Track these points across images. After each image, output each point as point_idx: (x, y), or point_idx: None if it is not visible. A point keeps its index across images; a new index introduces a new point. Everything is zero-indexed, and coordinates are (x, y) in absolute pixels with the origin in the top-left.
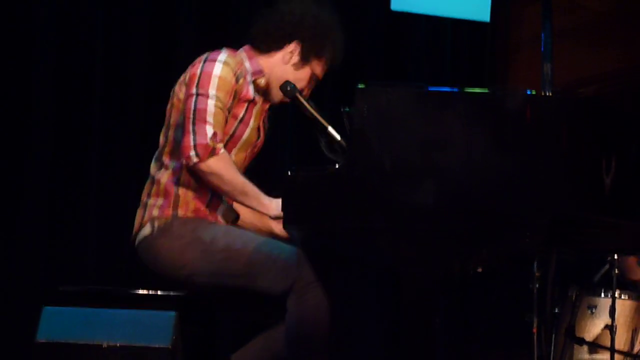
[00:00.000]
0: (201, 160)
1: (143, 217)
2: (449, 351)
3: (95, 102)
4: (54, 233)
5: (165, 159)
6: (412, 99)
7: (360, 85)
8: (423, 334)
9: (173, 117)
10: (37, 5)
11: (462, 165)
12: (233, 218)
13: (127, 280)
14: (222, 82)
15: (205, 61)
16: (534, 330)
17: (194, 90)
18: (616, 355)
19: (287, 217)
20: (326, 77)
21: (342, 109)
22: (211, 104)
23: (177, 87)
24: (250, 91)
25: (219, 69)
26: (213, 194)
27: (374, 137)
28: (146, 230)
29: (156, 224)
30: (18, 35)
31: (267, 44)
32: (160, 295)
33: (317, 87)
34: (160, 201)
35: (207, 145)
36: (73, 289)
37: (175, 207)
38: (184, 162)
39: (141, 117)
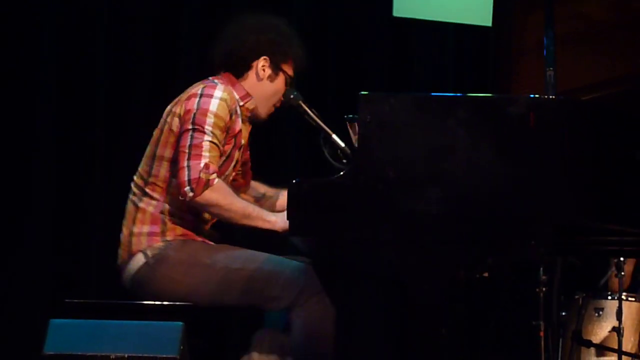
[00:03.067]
0: (196, 194)
1: (130, 245)
2: (456, 356)
3: (99, 120)
4: (60, 246)
5: (149, 191)
6: (415, 105)
7: (363, 92)
8: (430, 344)
9: (160, 149)
10: (42, 5)
11: (467, 172)
12: (218, 237)
13: (137, 296)
14: (218, 120)
15: (201, 96)
16: (541, 334)
17: (189, 126)
18: (623, 357)
19: (292, 227)
20: (329, 85)
21: (345, 117)
22: (207, 139)
23: (169, 118)
24: (239, 124)
25: (216, 106)
26: (195, 220)
27: (378, 144)
28: (139, 260)
29: (149, 253)
30: (22, 38)
31: (238, 69)
32: (167, 305)
33: (321, 94)
34: (146, 228)
35: (199, 179)
36: (80, 302)
37: (164, 233)
38: (180, 198)
39: (148, 137)
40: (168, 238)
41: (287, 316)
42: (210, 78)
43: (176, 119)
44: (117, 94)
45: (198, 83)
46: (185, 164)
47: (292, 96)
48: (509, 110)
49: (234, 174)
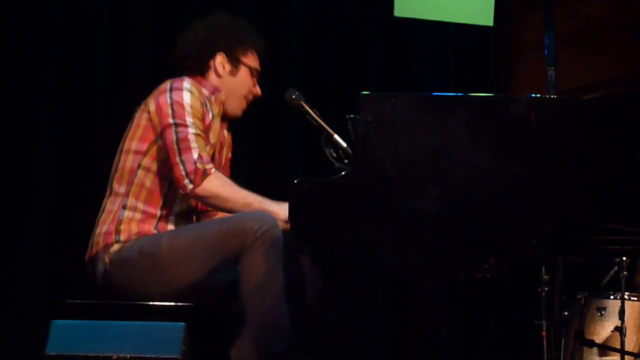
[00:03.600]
0: (196, 185)
1: (91, 248)
2: (458, 356)
3: (99, 120)
4: (61, 246)
5: (115, 185)
6: (416, 105)
7: (365, 93)
8: (431, 344)
9: (127, 143)
10: (41, 5)
11: (467, 172)
12: None
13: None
14: (194, 110)
15: (171, 90)
16: (544, 333)
17: (170, 121)
18: (626, 357)
19: (293, 227)
20: (330, 85)
21: (346, 117)
22: (191, 132)
23: (137, 113)
24: (209, 117)
25: (189, 97)
26: (160, 217)
27: (379, 144)
28: (100, 268)
29: (107, 259)
30: (22, 38)
31: (197, 68)
32: (168, 306)
33: (322, 94)
34: (104, 228)
35: (197, 169)
36: (82, 302)
37: (117, 232)
38: (181, 192)
39: None
40: (122, 238)
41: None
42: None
43: (144, 114)
44: (117, 94)
45: (167, 80)
46: (178, 159)
47: (293, 96)
48: (510, 110)
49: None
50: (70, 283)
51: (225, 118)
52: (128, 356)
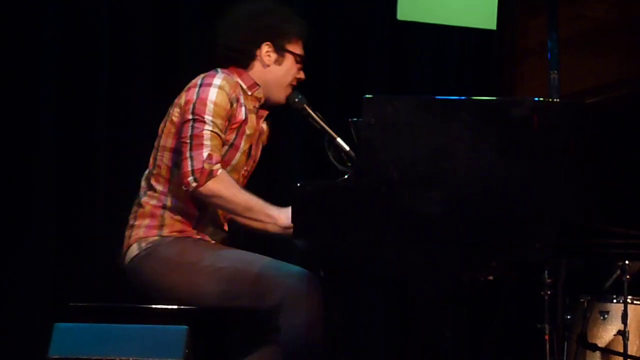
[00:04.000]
0: (200, 184)
1: (130, 237)
2: (460, 359)
3: (101, 120)
4: (64, 249)
5: (154, 183)
6: (419, 107)
7: (368, 95)
8: (433, 346)
9: (163, 140)
10: (43, 6)
11: (470, 174)
12: (222, 237)
13: (137, 295)
14: (217, 108)
15: (200, 86)
16: (546, 337)
17: (190, 116)
18: None
19: (296, 230)
20: (332, 87)
21: (349, 120)
22: (207, 129)
23: (171, 109)
24: (242, 113)
25: (214, 94)
26: (199, 218)
27: (382, 147)
28: (133, 250)
29: (143, 245)
30: (23, 38)
31: (242, 59)
32: (171, 309)
33: (324, 97)
34: (145, 222)
35: (203, 168)
36: (85, 305)
37: (161, 227)
38: (183, 188)
39: (152, 140)
40: (164, 233)
41: (277, 320)
42: (217, 69)
43: (177, 109)
44: (118, 94)
45: (201, 74)
46: (188, 154)
47: (296, 99)
48: (513, 113)
49: (246, 167)
50: (72, 285)
51: (266, 107)
52: (131, 359)
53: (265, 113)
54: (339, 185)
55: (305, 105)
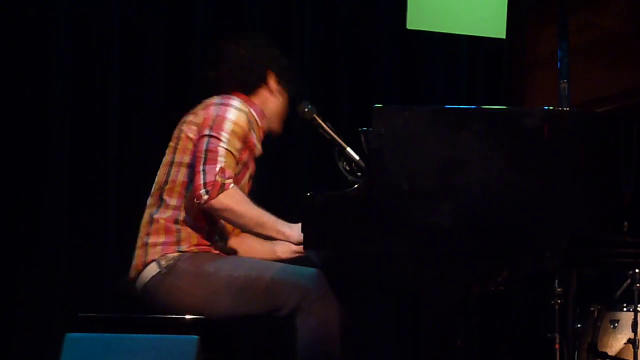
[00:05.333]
0: (211, 197)
1: (145, 256)
2: None
3: (113, 134)
4: (75, 260)
5: (166, 197)
6: (429, 117)
7: (378, 105)
8: (444, 357)
9: (178, 155)
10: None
11: (481, 184)
12: (233, 250)
13: (148, 305)
14: (236, 127)
15: (219, 104)
16: (557, 346)
17: (206, 132)
18: None
19: (306, 240)
20: (342, 97)
21: (359, 129)
22: (222, 146)
23: (185, 127)
24: (254, 139)
25: (234, 115)
26: (210, 230)
27: (392, 157)
28: (152, 269)
29: (163, 263)
30: (36, 46)
31: (250, 84)
32: (182, 319)
33: (334, 107)
34: (161, 239)
35: (215, 182)
36: (95, 315)
37: (178, 242)
38: (195, 201)
39: (162, 150)
40: (183, 248)
41: (293, 322)
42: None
43: (193, 127)
44: (130, 105)
45: (215, 96)
46: (201, 168)
47: (306, 110)
48: (523, 123)
49: (248, 190)
50: (83, 296)
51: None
52: None
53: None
54: (349, 196)
55: (315, 116)
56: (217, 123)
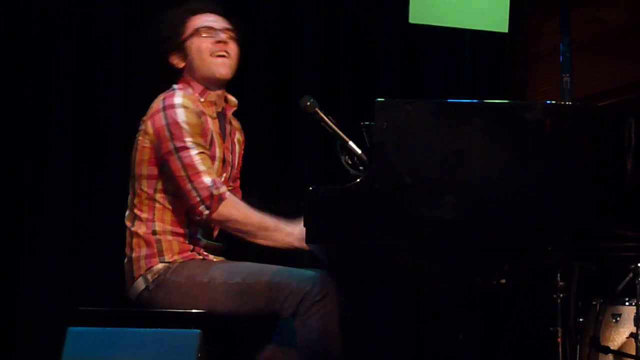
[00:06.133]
0: (212, 211)
1: (132, 271)
2: None
3: (115, 130)
4: (77, 254)
5: (137, 212)
6: (432, 111)
7: (380, 99)
8: (447, 350)
9: (137, 168)
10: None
11: (483, 178)
12: (221, 250)
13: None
14: (192, 127)
15: (164, 109)
16: (559, 340)
17: (170, 147)
18: None
19: (309, 234)
20: (345, 91)
21: (362, 123)
22: (194, 153)
23: (139, 136)
24: (209, 123)
25: (183, 114)
26: (190, 233)
27: (394, 151)
28: (140, 285)
29: (149, 277)
30: (39, 41)
31: (174, 74)
32: (184, 313)
33: (337, 101)
34: (143, 251)
35: (211, 195)
36: (97, 310)
37: (160, 253)
38: (197, 218)
39: None
40: (167, 259)
41: (293, 324)
42: (173, 86)
43: (146, 138)
44: (132, 103)
45: (160, 95)
46: (190, 187)
47: (308, 103)
48: (525, 117)
49: (224, 174)
50: (85, 290)
51: (225, 101)
52: None
53: (231, 109)
54: (351, 190)
55: (317, 109)
56: (174, 132)
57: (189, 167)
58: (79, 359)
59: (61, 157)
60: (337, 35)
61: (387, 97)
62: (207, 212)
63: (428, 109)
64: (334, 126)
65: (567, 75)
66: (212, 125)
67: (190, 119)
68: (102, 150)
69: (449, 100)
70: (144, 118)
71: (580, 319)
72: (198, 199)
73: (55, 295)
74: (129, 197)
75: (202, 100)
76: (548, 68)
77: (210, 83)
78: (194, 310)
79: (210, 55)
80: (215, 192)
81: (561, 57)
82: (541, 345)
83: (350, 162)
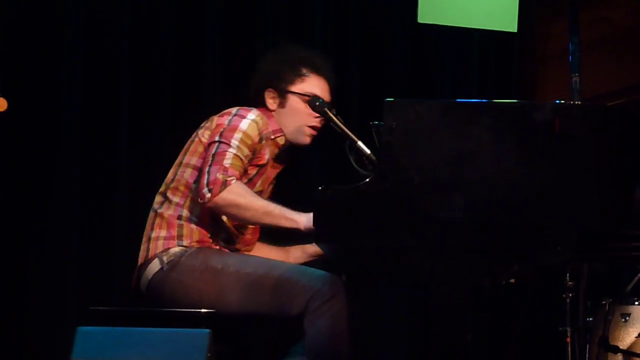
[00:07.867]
0: (214, 194)
1: (148, 251)
2: None
3: (124, 130)
4: (86, 253)
5: (170, 195)
6: (441, 111)
7: (389, 99)
8: (455, 350)
9: (187, 157)
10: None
11: (492, 178)
12: (236, 250)
13: (154, 303)
14: (245, 137)
15: (235, 115)
16: (568, 340)
17: (217, 138)
18: None
19: (318, 234)
20: (354, 91)
21: (370, 123)
22: (230, 151)
23: (200, 131)
24: (266, 155)
25: (246, 125)
26: (214, 227)
27: (403, 151)
28: (155, 265)
29: (165, 259)
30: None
31: (261, 104)
32: (193, 313)
33: (345, 101)
34: (163, 233)
35: (216, 179)
36: (107, 309)
37: (180, 237)
38: (200, 201)
39: (176, 144)
40: (184, 243)
41: (302, 324)
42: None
43: (207, 132)
44: (141, 101)
45: (234, 107)
46: (207, 169)
47: (317, 103)
48: (534, 117)
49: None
50: (95, 289)
51: (283, 158)
52: None
53: (280, 167)
54: (360, 189)
55: (326, 109)
56: (228, 131)
57: (217, 155)
58: (88, 359)
59: (70, 158)
60: (345, 35)
61: (396, 97)
62: (209, 195)
63: (437, 109)
64: (342, 126)
65: (577, 75)
66: (270, 162)
67: (250, 131)
68: (110, 151)
69: (457, 100)
70: (212, 117)
71: (589, 319)
72: (205, 181)
73: (64, 295)
74: (166, 180)
75: (272, 137)
76: (557, 68)
77: (288, 139)
78: (203, 310)
79: (305, 124)
80: (221, 177)
81: (570, 57)
82: (550, 344)
83: (359, 162)
